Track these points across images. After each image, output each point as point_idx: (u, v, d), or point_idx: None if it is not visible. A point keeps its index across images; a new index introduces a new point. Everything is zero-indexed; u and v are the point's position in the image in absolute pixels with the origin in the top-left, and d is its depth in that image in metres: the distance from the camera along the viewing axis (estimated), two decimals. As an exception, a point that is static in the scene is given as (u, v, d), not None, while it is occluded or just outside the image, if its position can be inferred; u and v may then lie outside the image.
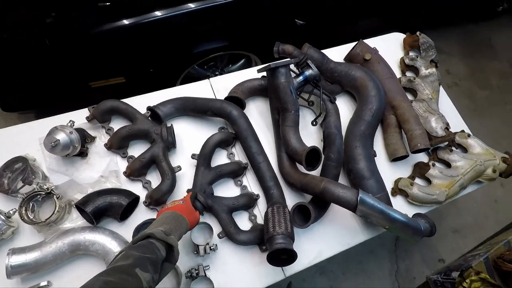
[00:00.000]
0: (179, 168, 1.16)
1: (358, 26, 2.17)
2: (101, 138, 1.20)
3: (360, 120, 1.27)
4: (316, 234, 1.19)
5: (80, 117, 1.19)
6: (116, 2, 1.50)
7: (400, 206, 1.28)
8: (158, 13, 1.49)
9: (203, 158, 1.16)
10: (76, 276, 1.02)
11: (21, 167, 1.08)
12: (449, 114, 1.50)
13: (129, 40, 1.49)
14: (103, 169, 1.15)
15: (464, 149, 1.40)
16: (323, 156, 1.10)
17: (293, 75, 1.24)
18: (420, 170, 1.33)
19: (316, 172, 1.20)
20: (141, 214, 1.12)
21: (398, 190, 1.29)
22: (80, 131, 1.14)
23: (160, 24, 1.51)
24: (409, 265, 2.12)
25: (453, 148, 1.37)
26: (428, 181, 1.32)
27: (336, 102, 1.42)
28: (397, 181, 1.30)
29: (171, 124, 1.19)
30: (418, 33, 1.53)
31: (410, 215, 1.19)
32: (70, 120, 1.11)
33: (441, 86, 1.49)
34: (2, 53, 1.60)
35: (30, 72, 1.58)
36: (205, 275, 1.01)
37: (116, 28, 1.47)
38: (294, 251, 0.97)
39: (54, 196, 1.02)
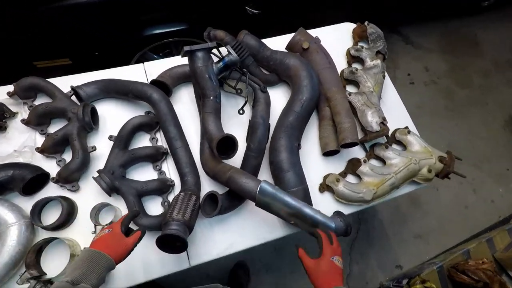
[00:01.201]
0: (93, 148, 1.14)
1: (326, 16, 2.10)
2: (22, 114, 1.20)
3: (289, 111, 1.23)
4: (231, 225, 1.15)
5: (4, 92, 1.19)
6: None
7: (327, 203, 1.23)
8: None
9: (119, 140, 1.15)
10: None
11: None
12: (395, 110, 1.44)
13: (72, 19, 1.48)
14: (19, 144, 1.15)
15: (404, 147, 1.33)
16: (238, 146, 1.06)
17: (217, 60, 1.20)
18: (352, 167, 1.27)
19: (237, 163, 1.18)
20: (52, 190, 1.12)
21: (325, 186, 1.24)
22: (-2, 105, 1.14)
23: (104, 3, 1.49)
24: (363, 269, 2.05)
25: (391, 145, 1.31)
26: (360, 179, 1.26)
27: (276, 92, 1.39)
28: (325, 177, 1.25)
29: (92, 105, 1.18)
30: (366, 23, 1.47)
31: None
32: (-16, 95, 1.11)
33: (385, 78, 1.43)
34: None
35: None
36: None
37: (60, 7, 1.46)
38: (185, 240, 0.94)
39: (-41, 167, 1.02)
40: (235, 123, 1.30)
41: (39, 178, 1.09)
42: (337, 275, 0.84)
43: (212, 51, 1.16)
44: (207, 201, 1.08)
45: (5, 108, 1.16)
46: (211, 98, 1.13)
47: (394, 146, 1.34)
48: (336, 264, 0.85)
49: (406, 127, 1.36)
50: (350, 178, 1.28)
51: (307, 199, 1.13)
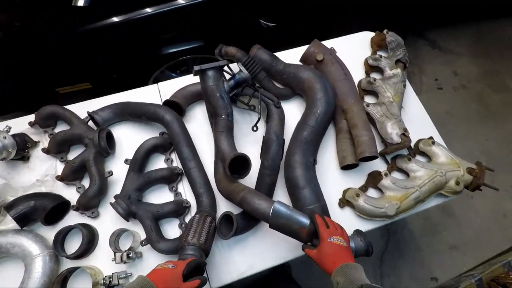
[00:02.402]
0: (110, 173, 1.16)
1: (348, 24, 2.05)
2: (44, 142, 1.24)
3: (304, 125, 1.19)
4: (249, 246, 1.13)
5: (26, 122, 1.24)
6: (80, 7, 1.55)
7: (348, 219, 1.18)
8: (115, 19, 1.51)
9: (134, 163, 1.16)
10: (4, 276, 1.05)
11: (-37, 169, 1.15)
12: (418, 119, 1.36)
13: (90, 44, 1.53)
14: (41, 174, 1.19)
15: (429, 158, 1.25)
16: (251, 164, 1.04)
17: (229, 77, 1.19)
18: (373, 180, 1.21)
19: (253, 181, 1.15)
20: (73, 218, 1.14)
21: (345, 201, 1.18)
22: (21, 136, 1.18)
23: (120, 28, 1.53)
24: (395, 282, 1.94)
25: (415, 157, 1.24)
26: (382, 193, 1.20)
27: (290, 105, 1.36)
28: (345, 192, 1.20)
29: (109, 130, 1.20)
30: (385, 31, 1.40)
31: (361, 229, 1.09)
32: (7, 126, 1.16)
33: (407, 87, 1.35)
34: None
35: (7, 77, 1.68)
36: (118, 283, 1.00)
37: (78, 33, 1.52)
38: (203, 262, 0.92)
39: (-15, 199, 1.07)
40: (250, 140, 1.27)
41: (61, 207, 1.11)
42: (341, 252, 0.86)
43: (224, 68, 1.15)
44: (223, 222, 1.05)
45: (27, 138, 1.20)
46: (223, 116, 1.12)
47: (418, 157, 1.27)
48: (336, 243, 0.87)
49: (431, 138, 1.28)
50: (372, 192, 1.22)
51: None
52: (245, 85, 1.15)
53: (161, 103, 1.29)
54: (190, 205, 1.16)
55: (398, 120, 1.22)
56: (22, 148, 1.18)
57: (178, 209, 1.12)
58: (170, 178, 1.18)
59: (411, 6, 2.22)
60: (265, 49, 1.32)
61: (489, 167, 1.23)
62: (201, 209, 1.09)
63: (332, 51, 1.32)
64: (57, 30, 1.55)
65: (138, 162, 1.16)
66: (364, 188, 1.22)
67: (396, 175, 1.24)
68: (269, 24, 1.68)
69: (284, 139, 1.20)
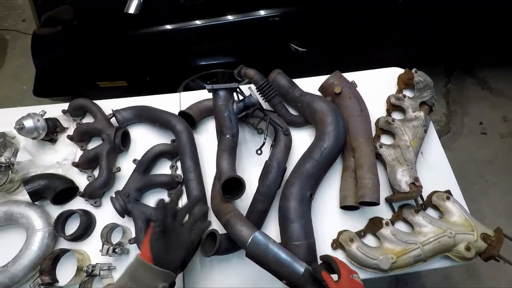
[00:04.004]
0: (118, 169, 1.23)
1: (385, 55, 1.97)
2: (71, 130, 1.37)
3: (308, 158, 1.16)
4: (231, 267, 1.12)
5: (60, 109, 1.38)
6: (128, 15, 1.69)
7: (339, 263, 1.12)
8: (158, 28, 1.63)
9: (140, 164, 1.22)
10: (8, 241, 1.16)
11: (1, 141, 1.31)
12: (438, 169, 1.26)
13: (132, 47, 1.66)
14: (62, 157, 1.31)
15: (441, 214, 1.15)
16: (246, 188, 1.04)
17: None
18: (373, 227, 1.14)
19: (246, 204, 1.16)
20: (78, 203, 1.23)
21: (339, 243, 1.13)
22: (53, 120, 1.32)
23: (161, 37, 1.65)
24: None
25: (425, 210, 1.14)
26: (380, 242, 1.12)
27: (301, 134, 1.34)
28: (340, 233, 1.14)
29: (126, 129, 1.29)
30: (414, 70, 1.33)
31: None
32: (42, 110, 1.30)
33: (428, 132, 1.26)
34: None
35: (61, 66, 1.89)
36: (99, 274, 1.06)
37: (124, 36, 1.66)
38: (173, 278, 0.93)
39: (10, 170, 1.20)
40: (255, 161, 1.27)
41: (70, 190, 1.21)
42: None
43: (237, 90, 1.17)
44: (208, 239, 1.06)
45: (58, 123, 1.34)
46: (227, 136, 1.14)
47: (429, 211, 1.17)
48: (357, 281, 0.86)
49: (447, 191, 1.17)
50: (369, 239, 1.15)
51: (310, 255, 1.04)
52: (254, 109, 1.16)
53: (177, 112, 1.35)
54: (182, 214, 1.19)
55: (411, 168, 1.14)
56: (52, 131, 1.32)
57: (170, 216, 1.16)
58: (170, 185, 1.22)
59: (463, 39, 2.07)
60: (285, 74, 1.32)
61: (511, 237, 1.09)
62: (191, 221, 1.11)
63: (352, 85, 1.28)
64: (107, 31, 1.70)
65: (144, 164, 1.22)
66: (362, 234, 1.15)
67: (400, 226, 1.15)
68: (299, 49, 1.68)
69: (286, 168, 1.18)
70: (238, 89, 1.16)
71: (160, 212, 0.87)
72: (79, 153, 1.32)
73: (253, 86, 1.34)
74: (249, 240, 0.92)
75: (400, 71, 1.42)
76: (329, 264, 0.93)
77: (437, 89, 1.63)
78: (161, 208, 0.87)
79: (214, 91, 1.13)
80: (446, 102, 2.64)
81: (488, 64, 2.69)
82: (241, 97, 1.19)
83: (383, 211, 1.19)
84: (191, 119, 1.28)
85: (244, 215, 1.11)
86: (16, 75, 3.10)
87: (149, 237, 0.84)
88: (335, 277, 0.87)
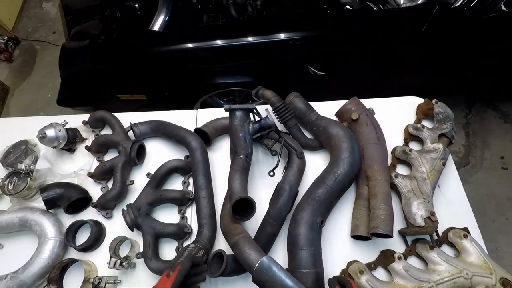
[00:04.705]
0: (131, 182, 1.25)
1: (404, 83, 1.96)
2: (89, 140, 1.40)
3: (321, 183, 1.15)
4: (236, 289, 1.10)
5: (81, 119, 1.42)
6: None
7: (347, 294, 1.08)
8: (179, 46, 1.68)
9: (153, 178, 1.24)
10: (21, 247, 1.19)
11: (24, 148, 1.35)
12: (456, 204, 1.22)
13: (153, 63, 1.72)
14: (79, 167, 1.34)
15: (458, 253, 1.10)
16: (256, 210, 1.03)
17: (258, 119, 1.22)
18: (384, 260, 1.10)
19: (255, 226, 1.14)
20: (90, 213, 1.25)
21: (347, 274, 1.09)
22: (73, 130, 1.36)
23: (182, 54, 1.70)
24: None
25: (440, 246, 1.10)
26: (391, 277, 1.08)
27: (316, 157, 1.33)
28: (350, 264, 1.11)
29: (142, 143, 1.32)
30: (434, 100, 1.31)
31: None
32: (64, 120, 1.34)
33: (447, 166, 1.22)
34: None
35: (85, 78, 1.96)
36: (104, 287, 1.05)
37: (147, 52, 1.72)
38: None
39: (29, 177, 1.24)
40: (267, 183, 1.26)
41: (83, 200, 1.23)
42: None
43: (254, 111, 1.19)
44: (215, 259, 1.05)
45: (78, 134, 1.38)
46: (241, 156, 1.14)
47: (445, 248, 1.12)
48: None
49: (465, 229, 1.13)
50: (380, 273, 1.11)
51: (317, 285, 1.00)
52: (269, 131, 1.17)
53: (193, 129, 1.37)
54: (191, 231, 1.18)
55: (427, 201, 1.11)
56: (71, 141, 1.36)
57: (179, 232, 1.16)
58: (181, 201, 1.23)
59: (486, 71, 2.03)
60: (303, 97, 1.32)
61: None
62: (198, 239, 1.11)
63: (370, 112, 1.27)
64: (132, 46, 1.77)
65: (157, 179, 1.23)
66: (372, 266, 1.11)
67: (413, 261, 1.11)
68: (318, 72, 1.69)
69: (298, 191, 1.17)
70: (255, 110, 1.17)
71: (188, 263, 0.91)
72: (95, 163, 1.35)
73: (269, 108, 1.35)
74: (256, 265, 0.90)
75: (420, 100, 1.41)
76: (344, 286, 0.90)
77: (456, 119, 1.60)
78: (189, 260, 0.93)
79: (231, 111, 1.14)
80: (466, 133, 2.58)
81: (510, 97, 2.63)
82: (257, 118, 1.20)
83: (396, 244, 1.15)
84: (206, 136, 1.30)
85: (253, 237, 1.10)
86: (42, 84, 3.26)
87: (174, 279, 0.85)
88: None
